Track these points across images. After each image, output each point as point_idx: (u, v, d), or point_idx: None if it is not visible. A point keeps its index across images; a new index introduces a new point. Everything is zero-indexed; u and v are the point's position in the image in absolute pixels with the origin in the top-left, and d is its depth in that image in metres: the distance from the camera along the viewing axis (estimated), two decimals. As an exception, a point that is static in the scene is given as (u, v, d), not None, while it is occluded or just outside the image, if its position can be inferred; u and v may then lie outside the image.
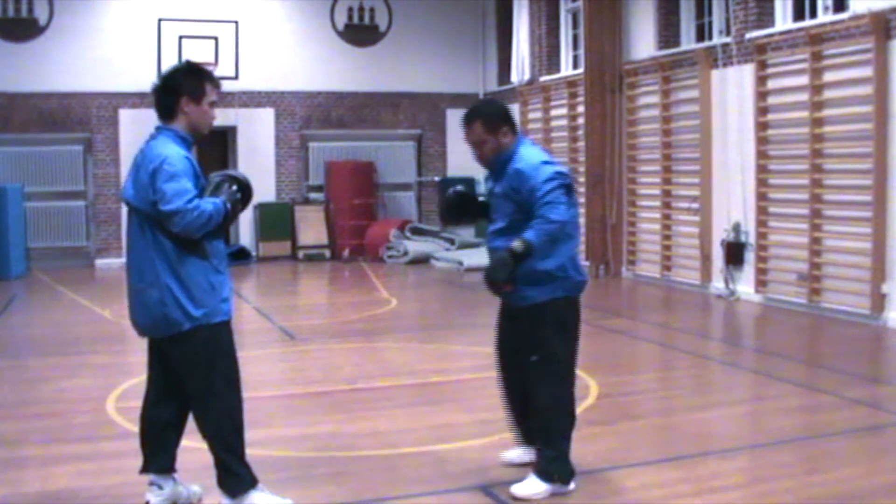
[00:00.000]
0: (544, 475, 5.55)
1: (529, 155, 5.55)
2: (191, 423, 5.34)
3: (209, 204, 4.97)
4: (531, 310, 5.58)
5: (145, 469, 5.33)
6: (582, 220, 16.81)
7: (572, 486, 5.61)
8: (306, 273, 18.79)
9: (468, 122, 5.63)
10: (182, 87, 5.10)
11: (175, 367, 5.17)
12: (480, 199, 5.98)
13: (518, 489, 5.54)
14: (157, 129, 5.15)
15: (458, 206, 5.98)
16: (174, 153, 4.97)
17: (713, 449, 6.50)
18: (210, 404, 5.15)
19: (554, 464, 5.57)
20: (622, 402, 7.91)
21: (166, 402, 5.29)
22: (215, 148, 19.48)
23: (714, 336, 11.71)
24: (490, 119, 5.59)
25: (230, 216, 5.10)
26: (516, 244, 5.31)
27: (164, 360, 5.23)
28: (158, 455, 5.32)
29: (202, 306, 5.03)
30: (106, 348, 10.58)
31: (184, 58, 18.16)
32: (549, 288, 5.53)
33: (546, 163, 5.50)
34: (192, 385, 5.15)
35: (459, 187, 5.97)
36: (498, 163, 5.60)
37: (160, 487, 5.29)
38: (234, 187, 5.17)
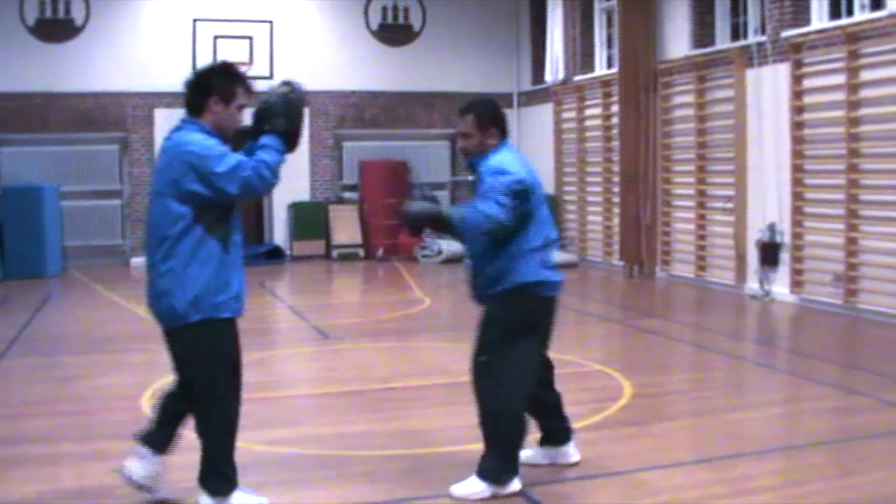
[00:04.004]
0: (482, 474, 5.56)
1: (495, 160, 5.60)
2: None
3: (262, 154, 5.01)
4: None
5: (142, 439, 5.36)
6: (616, 220, 16.78)
7: (512, 487, 5.57)
8: (340, 272, 18.83)
9: (463, 112, 5.74)
10: (213, 87, 5.11)
11: (176, 359, 5.19)
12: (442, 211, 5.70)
13: (456, 489, 5.55)
14: (183, 120, 5.16)
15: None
16: (200, 139, 4.99)
17: (747, 450, 6.46)
18: (208, 402, 5.15)
19: (493, 464, 5.57)
20: (656, 403, 7.89)
21: (186, 398, 5.33)
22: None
23: (748, 337, 11.63)
24: (483, 116, 5.70)
25: (291, 128, 5.13)
26: (449, 211, 5.48)
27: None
28: (159, 434, 5.36)
29: (213, 299, 5.02)
30: (140, 346, 10.63)
31: (219, 58, 18.34)
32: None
33: (501, 171, 5.51)
34: (192, 380, 5.16)
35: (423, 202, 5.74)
36: (476, 162, 5.71)
37: (141, 458, 5.31)
38: (283, 89, 5.18)
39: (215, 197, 4.95)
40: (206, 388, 5.13)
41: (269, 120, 5.10)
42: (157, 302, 5.12)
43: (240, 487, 5.27)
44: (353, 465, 6.17)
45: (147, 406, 7.71)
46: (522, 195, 5.50)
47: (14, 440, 6.85)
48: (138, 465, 5.31)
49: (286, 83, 5.20)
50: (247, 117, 5.17)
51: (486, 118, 5.70)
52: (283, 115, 5.10)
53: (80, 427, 7.20)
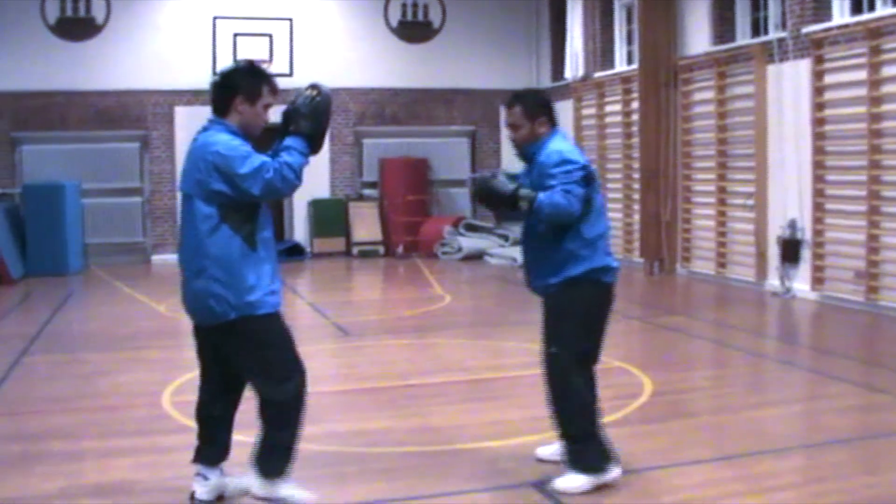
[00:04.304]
0: (577, 468, 5.60)
1: (554, 149, 5.61)
2: (244, 416, 5.41)
3: (285, 155, 5.03)
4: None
5: (195, 459, 5.41)
6: (636, 217, 16.76)
7: (613, 472, 5.62)
8: (360, 269, 18.86)
9: (510, 104, 5.80)
10: (239, 87, 5.14)
11: (228, 356, 5.22)
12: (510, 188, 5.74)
13: (561, 483, 5.59)
14: (210, 121, 5.19)
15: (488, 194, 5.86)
16: (225, 140, 5.02)
17: (768, 448, 6.44)
18: (265, 394, 5.18)
19: (584, 454, 5.61)
20: (676, 400, 7.87)
21: (220, 397, 5.36)
22: (269, 145, 19.60)
23: (769, 334, 11.60)
24: (530, 105, 5.74)
25: (315, 130, 5.15)
26: (527, 192, 5.50)
27: (215, 353, 5.27)
28: (207, 448, 5.40)
29: (246, 298, 5.04)
30: (162, 343, 10.70)
31: (239, 55, 18.46)
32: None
33: (566, 161, 5.53)
34: (249, 373, 5.21)
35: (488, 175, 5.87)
36: (530, 151, 5.74)
37: (205, 478, 5.36)
38: (309, 92, 5.20)
39: (239, 197, 4.99)
40: (258, 384, 5.18)
41: (295, 121, 5.13)
42: (194, 301, 5.17)
43: (289, 479, 5.30)
44: (374, 462, 6.19)
45: (168, 403, 7.77)
46: (589, 180, 5.55)
47: (36, 436, 6.89)
48: (199, 486, 5.37)
49: (313, 86, 5.22)
50: (274, 115, 5.19)
51: (534, 107, 5.73)
52: (308, 117, 5.13)
53: (102, 423, 7.24)
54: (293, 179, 5.01)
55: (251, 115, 5.16)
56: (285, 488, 5.25)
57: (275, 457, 5.22)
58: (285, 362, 5.22)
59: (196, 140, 5.15)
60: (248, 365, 5.19)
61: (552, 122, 5.77)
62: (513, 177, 5.75)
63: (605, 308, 5.78)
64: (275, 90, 5.25)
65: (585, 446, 5.61)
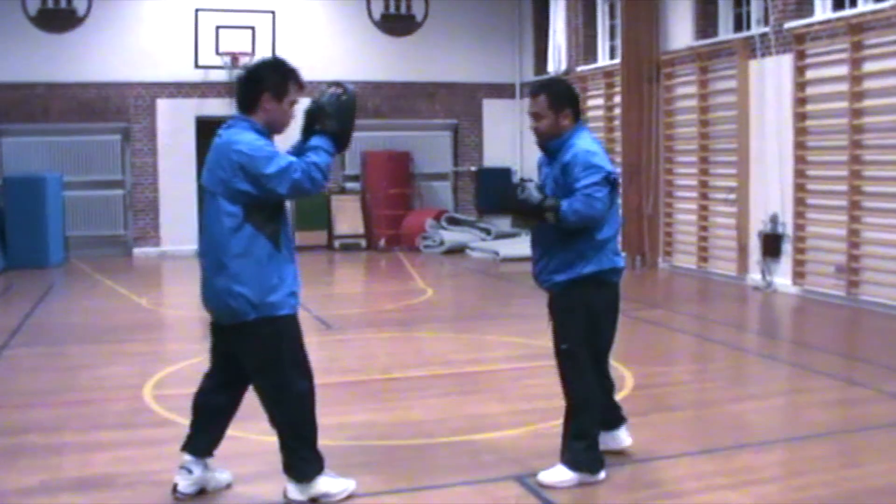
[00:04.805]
0: (573, 465, 5.57)
1: (581, 148, 5.51)
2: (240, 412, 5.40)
3: (312, 155, 5.02)
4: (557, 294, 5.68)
5: (184, 448, 5.37)
6: (619, 211, 16.73)
7: (602, 475, 5.61)
8: (342, 262, 18.83)
9: (535, 92, 5.68)
10: (266, 83, 5.10)
11: (241, 357, 5.18)
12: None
13: (545, 476, 5.57)
14: (235, 118, 5.14)
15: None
16: (250, 139, 4.99)
17: (749, 441, 6.46)
18: (278, 395, 5.16)
19: (585, 453, 5.58)
20: (658, 394, 7.89)
21: (226, 390, 5.33)
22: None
23: (751, 328, 11.63)
24: (556, 96, 5.62)
25: (343, 129, 5.14)
26: (552, 203, 5.44)
27: (229, 351, 5.25)
28: (199, 437, 5.37)
29: (268, 298, 5.02)
30: (143, 336, 10.66)
31: (221, 48, 18.43)
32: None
33: (592, 165, 5.45)
34: (260, 376, 5.16)
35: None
36: (552, 147, 5.64)
37: (189, 472, 5.33)
38: (334, 90, 5.18)
39: (265, 197, 4.97)
40: (273, 384, 5.15)
41: (321, 120, 5.10)
42: (214, 300, 5.14)
43: (325, 472, 5.29)
44: (355, 456, 6.17)
45: (149, 396, 7.75)
46: (614, 185, 5.50)
47: (18, 430, 6.85)
48: (182, 479, 5.33)
49: (338, 84, 5.20)
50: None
51: (560, 98, 5.62)
52: (335, 116, 5.11)
53: (83, 417, 7.21)
54: (321, 180, 5.01)
55: (278, 112, 5.12)
56: (322, 483, 5.25)
57: (300, 461, 5.22)
58: (298, 366, 5.19)
59: (220, 136, 5.11)
60: (260, 368, 5.14)
61: (577, 116, 5.66)
62: (541, 187, 5.67)
63: (611, 307, 5.75)
64: (301, 87, 5.20)
65: (588, 445, 5.61)
